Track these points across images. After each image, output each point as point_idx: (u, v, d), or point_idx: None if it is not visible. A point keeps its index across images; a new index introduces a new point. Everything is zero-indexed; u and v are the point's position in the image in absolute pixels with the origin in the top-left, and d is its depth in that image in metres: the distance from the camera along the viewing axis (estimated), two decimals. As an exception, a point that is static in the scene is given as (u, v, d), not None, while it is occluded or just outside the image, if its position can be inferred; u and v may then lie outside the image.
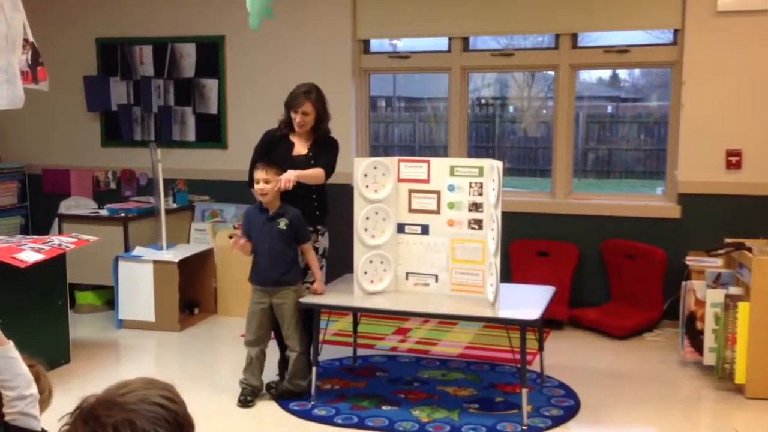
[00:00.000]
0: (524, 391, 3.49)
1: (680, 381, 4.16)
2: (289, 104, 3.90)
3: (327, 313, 3.96)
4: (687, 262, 4.45)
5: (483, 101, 10.71)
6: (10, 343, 1.80)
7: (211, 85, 5.90)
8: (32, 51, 3.02)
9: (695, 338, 4.17)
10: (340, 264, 4.21)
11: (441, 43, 5.60)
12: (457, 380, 4.10)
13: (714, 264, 4.25)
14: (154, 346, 4.85)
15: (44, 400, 1.85)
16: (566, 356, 4.48)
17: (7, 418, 1.73)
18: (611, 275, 5.15)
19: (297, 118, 3.87)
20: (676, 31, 5.03)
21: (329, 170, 3.92)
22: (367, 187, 3.84)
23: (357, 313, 4.28)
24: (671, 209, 5.05)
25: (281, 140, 3.97)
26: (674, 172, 5.07)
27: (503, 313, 3.53)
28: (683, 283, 4.31)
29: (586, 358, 4.51)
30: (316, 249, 3.93)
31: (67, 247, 4.17)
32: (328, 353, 4.25)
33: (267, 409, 3.77)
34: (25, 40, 2.94)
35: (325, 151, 3.96)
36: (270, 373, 4.00)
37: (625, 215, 5.14)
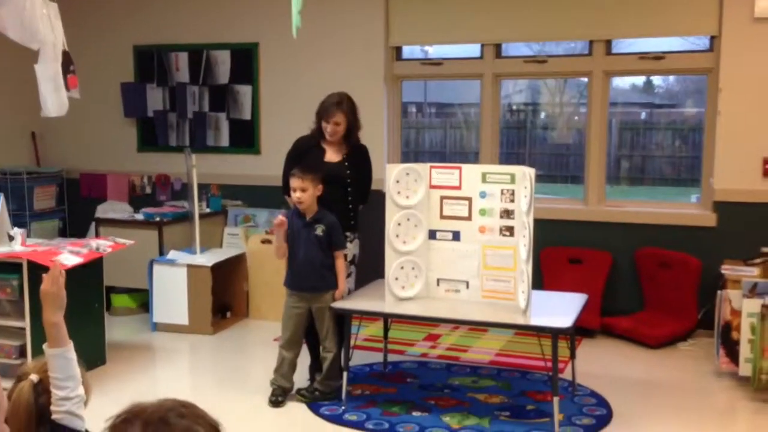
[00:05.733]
0: (556, 399, 3.47)
1: (715, 392, 4.10)
2: (321, 114, 3.94)
3: (358, 318, 3.98)
4: (723, 271, 4.38)
5: (514, 107, 10.67)
6: (71, 345, 1.85)
7: (245, 91, 5.97)
8: (64, 59, 3.10)
9: (731, 348, 4.11)
10: (371, 270, 4.23)
11: (473, 49, 5.60)
12: (487, 387, 4.09)
13: (750, 273, 4.18)
14: (187, 349, 4.92)
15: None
16: (598, 365, 4.44)
17: (54, 417, 1.78)
18: (645, 284, 5.09)
19: (328, 128, 3.91)
20: (712, 38, 4.97)
21: (367, 195, 4.12)
22: (398, 193, 3.85)
23: (388, 318, 4.29)
24: (707, 217, 4.98)
25: (312, 147, 4.01)
26: (710, 180, 5.00)
27: (535, 321, 3.52)
28: (718, 292, 4.25)
29: (618, 367, 4.46)
30: (344, 256, 3.95)
31: (105, 250, 4.25)
32: (358, 358, 4.27)
33: (298, 412, 3.80)
34: None
35: (360, 166, 4.05)
36: (301, 378, 4.03)
37: (659, 223, 5.08)
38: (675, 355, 4.68)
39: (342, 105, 3.92)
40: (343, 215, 3.93)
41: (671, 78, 9.57)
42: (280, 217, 3.80)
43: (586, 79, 5.43)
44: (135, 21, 6.18)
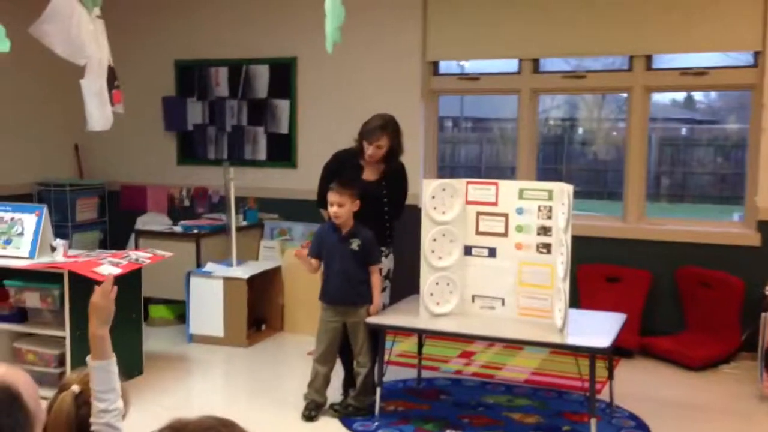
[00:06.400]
0: (593, 420, 3.41)
1: (758, 416, 3.98)
2: (364, 135, 3.91)
3: (392, 333, 3.96)
4: (767, 292, 4.27)
5: (552, 122, 10.59)
6: (114, 358, 1.87)
7: (282, 105, 6.03)
8: (109, 74, 3.16)
9: (776, 372, 3.99)
10: (406, 285, 4.21)
11: (510, 64, 5.57)
12: (523, 406, 4.03)
13: (796, 295, 4.06)
14: (222, 361, 4.95)
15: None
16: (637, 386, 4.35)
17: (93, 428, 1.79)
18: (686, 304, 4.98)
19: (370, 149, 3.89)
20: (756, 53, 4.88)
21: (401, 212, 4.09)
22: (434, 208, 3.84)
23: (422, 334, 4.27)
24: (750, 237, 4.86)
25: (351, 163, 4.01)
26: (754, 198, 4.88)
27: (572, 340, 3.46)
28: (762, 314, 4.14)
29: (658, 389, 4.36)
30: (379, 270, 3.94)
31: (144, 262, 4.31)
32: (392, 374, 4.24)
33: (331, 427, 3.79)
34: None
35: (397, 185, 4.03)
36: (334, 393, 4.02)
37: (701, 242, 4.97)
38: (717, 377, 4.56)
39: (386, 128, 3.89)
40: (379, 230, 3.92)
41: (713, 94, 9.43)
42: (301, 250, 3.93)
43: (625, 95, 5.36)
44: (176, 36, 6.30)
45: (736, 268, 4.78)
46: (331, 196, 3.76)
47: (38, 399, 1.43)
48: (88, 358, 1.86)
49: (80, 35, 2.78)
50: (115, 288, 1.93)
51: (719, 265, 4.84)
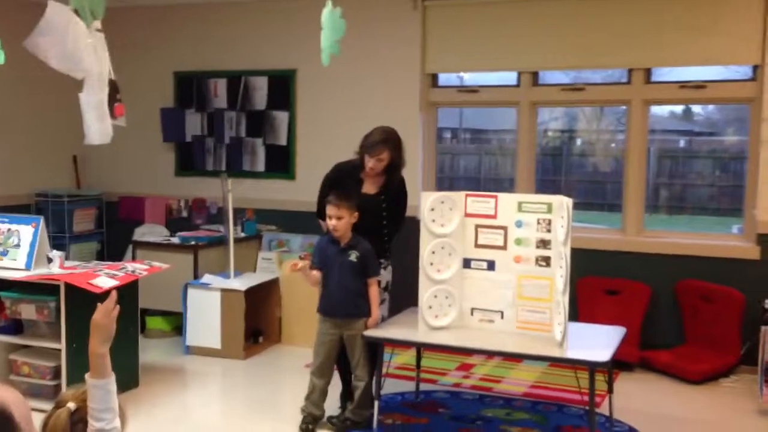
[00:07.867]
0: (592, 435, 3.38)
1: (758, 431, 3.95)
2: (365, 148, 3.89)
3: (390, 346, 3.93)
4: (766, 306, 4.25)
5: (550, 134, 10.59)
6: (113, 377, 1.84)
7: (281, 117, 6.03)
8: (111, 88, 3.15)
9: (776, 387, 3.97)
10: (404, 297, 4.19)
11: (509, 77, 5.57)
12: (522, 420, 4.00)
13: (796, 309, 4.05)
14: (219, 373, 4.92)
15: None
16: (637, 400, 4.33)
17: None
18: (686, 317, 4.96)
19: (370, 163, 3.88)
20: (755, 67, 4.88)
21: (401, 226, 4.08)
22: (433, 221, 3.82)
23: (420, 347, 4.24)
24: (750, 250, 4.85)
25: (351, 176, 4.00)
26: (753, 211, 4.88)
27: (571, 354, 3.44)
28: (762, 327, 4.12)
29: (658, 403, 4.34)
30: (378, 282, 3.92)
31: (140, 273, 4.29)
32: (390, 387, 4.21)
33: (329, 441, 3.76)
34: None
35: (396, 199, 4.02)
36: (331, 405, 3.99)
37: (700, 255, 4.96)
38: (717, 391, 4.54)
39: (388, 142, 3.87)
40: (378, 243, 3.91)
41: (711, 106, 9.44)
42: (299, 263, 3.86)
43: (624, 107, 5.36)
44: (175, 48, 6.31)
45: (735, 281, 4.77)
46: (330, 210, 3.75)
47: (30, 418, 1.41)
48: (87, 376, 1.83)
49: (77, 50, 2.77)
50: (118, 307, 1.90)
51: (719, 278, 4.83)
